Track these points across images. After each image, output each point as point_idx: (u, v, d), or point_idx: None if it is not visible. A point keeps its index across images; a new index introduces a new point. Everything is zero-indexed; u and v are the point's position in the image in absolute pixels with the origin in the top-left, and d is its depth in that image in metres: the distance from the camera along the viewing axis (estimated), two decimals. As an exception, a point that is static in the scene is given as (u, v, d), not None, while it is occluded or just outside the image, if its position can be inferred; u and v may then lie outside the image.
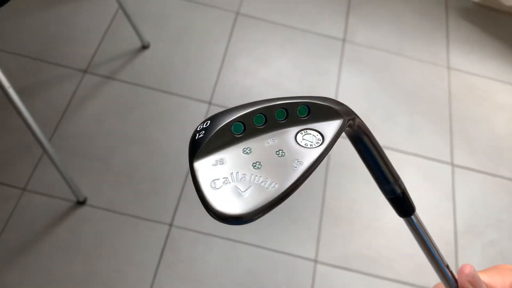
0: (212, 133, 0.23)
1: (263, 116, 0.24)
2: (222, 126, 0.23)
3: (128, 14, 1.17)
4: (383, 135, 1.23)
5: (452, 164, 1.21)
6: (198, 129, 0.24)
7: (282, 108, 0.25)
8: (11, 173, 1.03)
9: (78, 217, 1.00)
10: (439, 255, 0.34)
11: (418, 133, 1.26)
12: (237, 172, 0.23)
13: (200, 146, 0.23)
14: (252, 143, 0.24)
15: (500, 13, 1.56)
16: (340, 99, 1.16)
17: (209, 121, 0.24)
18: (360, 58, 1.37)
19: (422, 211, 1.25)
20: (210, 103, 1.20)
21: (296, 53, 1.34)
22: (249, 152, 0.23)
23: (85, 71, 1.20)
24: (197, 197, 0.22)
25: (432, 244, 0.34)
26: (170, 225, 1.02)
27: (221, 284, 0.97)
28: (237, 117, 0.24)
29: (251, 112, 0.24)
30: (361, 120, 0.27)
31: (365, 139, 0.28)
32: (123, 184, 1.05)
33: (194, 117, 1.17)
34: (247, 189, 0.22)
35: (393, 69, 1.37)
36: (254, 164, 0.23)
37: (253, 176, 0.22)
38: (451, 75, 1.39)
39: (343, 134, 0.26)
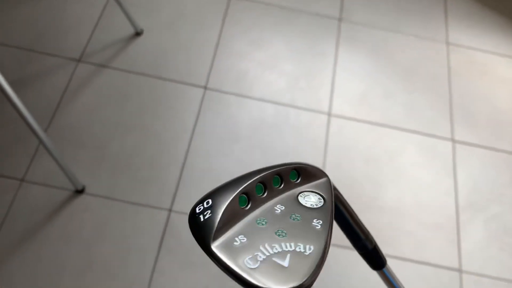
0: (222, 210, 0.23)
1: (262, 185, 0.25)
2: (230, 201, 0.23)
3: (120, 1, 1.15)
4: (382, 113, 1.22)
5: (452, 140, 1.20)
6: (198, 211, 0.23)
7: (276, 175, 0.26)
8: (8, 164, 1.03)
9: (77, 205, 1.00)
10: None
11: (417, 110, 1.24)
12: (265, 244, 0.22)
13: (214, 227, 0.22)
14: (263, 214, 0.24)
15: (499, -15, 1.52)
16: (338, 79, 1.15)
17: (210, 200, 0.23)
18: (357, 37, 1.35)
19: (423, 188, 1.25)
20: (205, 87, 1.19)
21: (292, 34, 1.33)
22: (264, 223, 0.23)
23: (78, 60, 1.19)
24: (234, 280, 0.21)
25: None
26: (170, 210, 1.02)
27: (222, 267, 0.97)
28: (241, 189, 0.24)
29: (251, 183, 0.24)
30: (335, 187, 0.28)
31: (339, 204, 0.29)
32: (121, 172, 1.05)
33: (190, 103, 1.17)
34: (286, 259, 0.22)
35: (391, 46, 1.35)
36: (277, 233, 0.23)
37: (284, 245, 0.22)
38: (450, 50, 1.37)
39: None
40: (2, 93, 0.81)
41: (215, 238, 0.22)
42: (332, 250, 1.00)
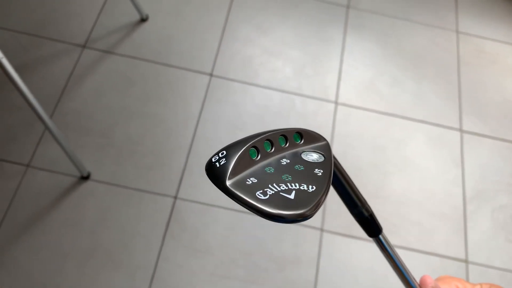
0: (235, 158, 0.26)
1: (270, 142, 0.29)
2: (242, 152, 0.27)
3: (125, -15, 1.14)
4: (390, 102, 1.20)
5: (460, 130, 1.18)
6: (214, 160, 0.27)
7: (282, 135, 0.29)
8: (14, 150, 1.03)
9: (82, 192, 1.00)
10: (406, 270, 0.39)
11: (425, 99, 1.22)
12: (273, 183, 0.26)
13: (228, 170, 0.26)
14: (270, 164, 0.28)
15: (511, -28, 1.49)
16: (345, 67, 1.14)
17: (224, 151, 0.27)
18: (365, 24, 1.33)
19: (429, 178, 1.23)
20: (211, 74, 1.18)
21: (299, 21, 1.31)
22: (272, 170, 0.27)
23: (83, 46, 1.18)
24: (248, 210, 0.25)
25: (399, 260, 0.39)
26: (175, 197, 1.01)
27: (227, 254, 0.97)
28: (251, 143, 0.27)
29: (260, 139, 0.28)
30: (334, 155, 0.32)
31: (336, 171, 0.32)
32: (126, 158, 1.05)
33: (196, 89, 1.16)
34: (292, 194, 0.25)
35: (399, 34, 1.33)
36: (283, 177, 0.27)
37: (289, 184, 0.26)
38: (460, 39, 1.34)
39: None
40: (8, 79, 0.81)
41: (229, 179, 0.26)
42: (336, 239, 1.00)
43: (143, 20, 1.24)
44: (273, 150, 0.28)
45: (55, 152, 1.02)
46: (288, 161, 0.28)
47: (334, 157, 0.31)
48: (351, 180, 0.34)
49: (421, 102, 1.22)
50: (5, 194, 0.99)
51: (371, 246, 1.01)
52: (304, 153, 0.29)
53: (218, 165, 0.26)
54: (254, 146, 0.28)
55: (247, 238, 0.99)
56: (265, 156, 0.28)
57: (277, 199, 0.25)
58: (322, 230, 1.01)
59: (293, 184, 0.26)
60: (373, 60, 1.27)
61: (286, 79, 1.20)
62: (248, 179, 0.26)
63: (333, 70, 1.23)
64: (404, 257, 1.04)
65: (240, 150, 0.27)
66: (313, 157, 0.29)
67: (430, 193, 1.09)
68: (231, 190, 0.25)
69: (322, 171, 0.28)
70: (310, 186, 0.26)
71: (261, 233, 1.00)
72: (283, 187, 0.26)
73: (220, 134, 1.10)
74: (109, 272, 0.93)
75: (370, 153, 1.13)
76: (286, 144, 0.29)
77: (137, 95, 1.13)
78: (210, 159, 0.27)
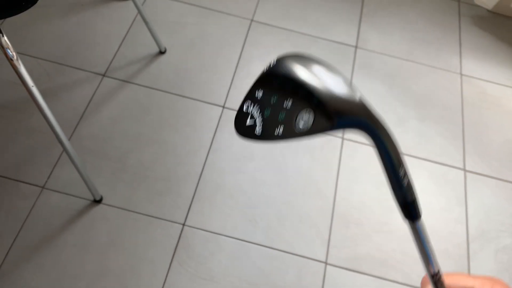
0: (260, 116, 0.31)
1: (297, 87, 0.29)
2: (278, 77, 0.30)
3: (146, 20, 1.21)
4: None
5: (464, 170, 1.21)
6: (269, 66, 0.30)
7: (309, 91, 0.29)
8: (31, 171, 1.07)
9: (94, 215, 1.03)
10: (434, 259, 0.37)
11: (430, 139, 1.26)
12: (259, 107, 0.31)
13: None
14: (281, 96, 0.30)
15: (513, 20, 1.56)
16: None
17: (276, 60, 0.30)
18: (372, 64, 1.39)
19: (434, 215, 1.24)
20: (223, 106, 1.23)
21: (309, 59, 1.36)
22: (275, 100, 0.30)
23: (103, 75, 1.24)
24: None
25: (431, 249, 0.36)
26: (183, 224, 1.04)
27: (231, 283, 0.98)
28: (293, 78, 0.29)
29: (297, 83, 0.29)
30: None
31: (389, 149, 0.31)
32: (138, 184, 1.08)
33: (208, 120, 1.20)
34: (257, 122, 0.30)
35: (404, 75, 1.38)
36: (266, 109, 0.30)
37: (266, 112, 0.30)
38: (463, 81, 1.39)
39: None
40: (33, 100, 0.85)
41: (258, 85, 0.31)
42: (340, 272, 1.01)
43: (161, 52, 1.30)
44: (293, 90, 0.29)
45: (70, 175, 1.06)
46: (289, 104, 0.29)
47: (389, 133, 0.30)
48: (402, 159, 0.32)
49: (425, 141, 1.25)
50: (20, 214, 1.02)
51: (374, 280, 1.02)
52: (304, 111, 0.29)
53: (267, 68, 0.31)
54: (290, 85, 0.29)
55: (251, 268, 1.01)
56: (285, 92, 0.30)
57: (245, 116, 0.31)
58: (326, 263, 1.03)
59: (266, 116, 0.30)
60: (379, 98, 1.32)
61: (295, 113, 1.24)
62: (258, 91, 0.31)
63: (340, 107, 1.28)
64: (407, 293, 1.04)
65: (282, 72, 0.30)
66: (304, 119, 0.29)
67: (433, 230, 1.11)
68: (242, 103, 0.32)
69: (284, 127, 0.29)
70: (278, 130, 0.29)
71: (266, 264, 1.01)
72: (258, 112, 0.31)
73: (229, 164, 1.14)
74: (115, 295, 0.95)
75: (375, 188, 1.16)
76: (306, 97, 0.29)
77: (152, 123, 1.18)
78: (271, 62, 0.31)
